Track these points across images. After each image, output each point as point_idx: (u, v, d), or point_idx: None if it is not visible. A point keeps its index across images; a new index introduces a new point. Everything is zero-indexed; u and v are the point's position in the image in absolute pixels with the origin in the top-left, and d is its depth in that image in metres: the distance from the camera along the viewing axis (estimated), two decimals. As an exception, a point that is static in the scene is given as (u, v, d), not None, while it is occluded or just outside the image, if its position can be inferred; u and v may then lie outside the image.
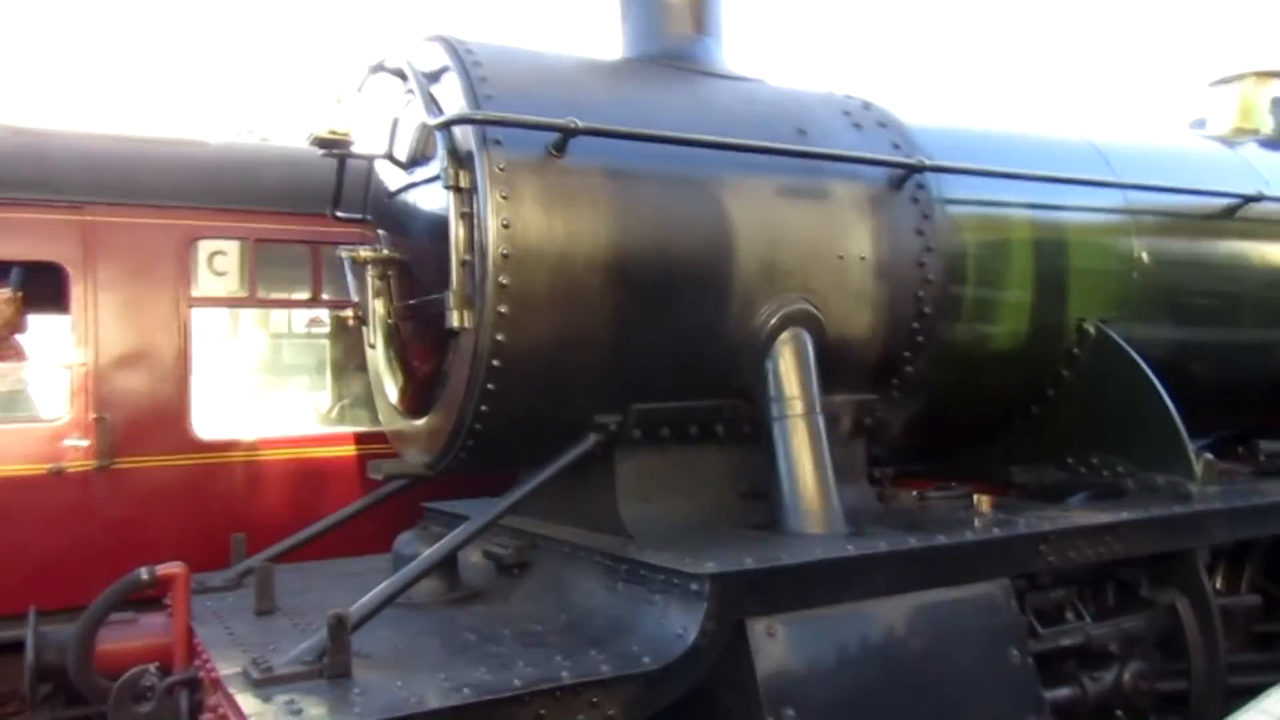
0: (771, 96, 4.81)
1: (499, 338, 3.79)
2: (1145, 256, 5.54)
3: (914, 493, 5.17)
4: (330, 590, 4.54)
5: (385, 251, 4.37)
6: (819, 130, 4.65)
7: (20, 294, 5.86)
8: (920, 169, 4.62)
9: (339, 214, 5.10)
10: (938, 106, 5.55)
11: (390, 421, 4.82)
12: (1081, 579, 4.66)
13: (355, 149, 4.39)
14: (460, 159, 3.83)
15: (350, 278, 4.40)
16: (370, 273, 4.38)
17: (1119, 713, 4.64)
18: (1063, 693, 4.45)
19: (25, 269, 5.73)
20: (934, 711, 3.76)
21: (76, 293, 5.54)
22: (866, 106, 5.02)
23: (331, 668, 3.19)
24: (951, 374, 5.07)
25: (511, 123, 3.78)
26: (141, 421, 5.63)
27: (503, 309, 3.76)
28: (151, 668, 4.17)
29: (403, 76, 4.29)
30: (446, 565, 4.46)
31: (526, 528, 4.63)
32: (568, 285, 3.87)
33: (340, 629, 3.21)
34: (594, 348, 4.03)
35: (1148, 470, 5.09)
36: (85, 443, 5.51)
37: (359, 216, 4.98)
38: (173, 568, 4.23)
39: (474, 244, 3.77)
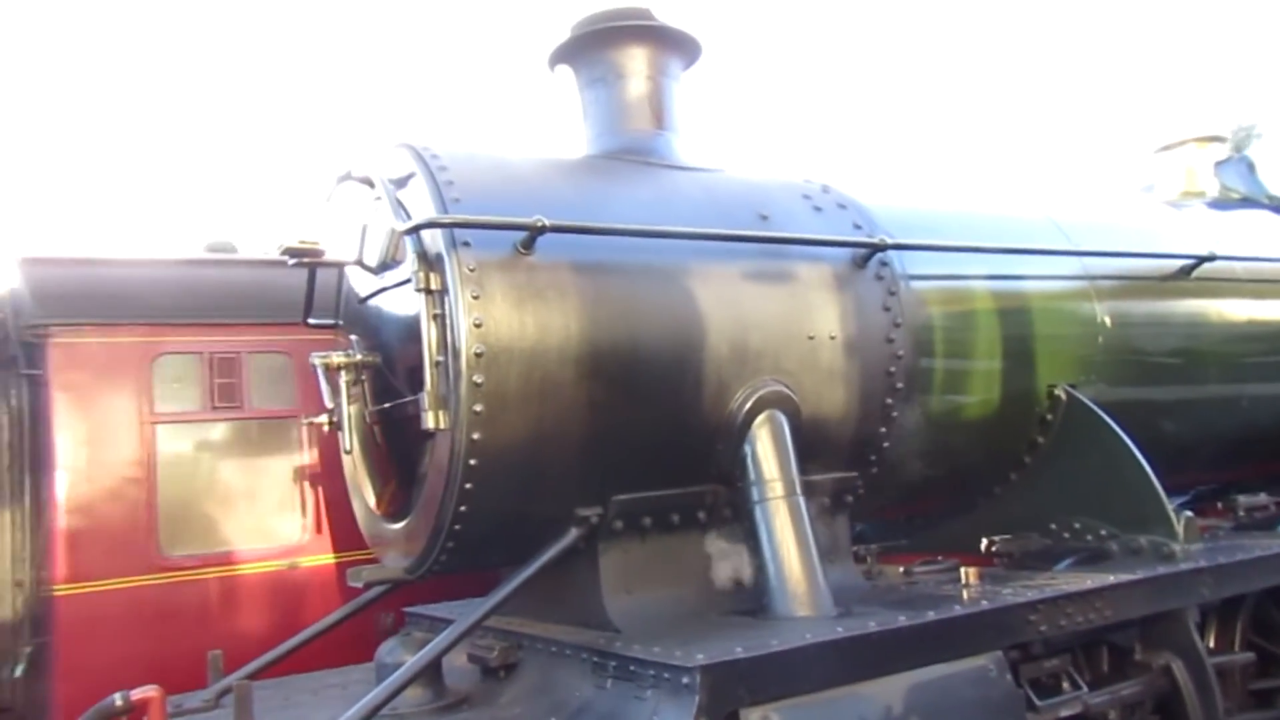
0: (732, 185, 4.92)
1: (475, 436, 3.78)
2: (1108, 320, 5.66)
3: (900, 569, 5.15)
4: (311, 705, 4.43)
5: (358, 356, 4.37)
6: (781, 214, 4.75)
7: None
8: (882, 247, 4.72)
9: (311, 321, 5.12)
10: (895, 185, 5.71)
11: (369, 526, 4.76)
12: (1075, 646, 4.62)
13: (326, 257, 4.43)
14: (430, 261, 3.88)
15: (323, 383, 4.39)
16: (344, 377, 4.38)
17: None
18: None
19: None
20: None
21: None
22: (825, 190, 5.14)
23: (316, 789, 3.08)
24: (928, 446, 5.10)
25: (479, 224, 3.84)
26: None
27: (478, 408, 3.76)
28: None
29: (370, 184, 4.36)
30: (431, 672, 4.36)
31: (511, 627, 4.54)
32: (541, 380, 3.88)
33: (323, 749, 3.12)
34: (571, 441, 4.02)
35: (1130, 532, 5.11)
36: None
37: (331, 323, 4.99)
38: (148, 691, 4.10)
39: (447, 344, 3.79)
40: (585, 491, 4.15)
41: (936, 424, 5.07)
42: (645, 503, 4.27)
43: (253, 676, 4.78)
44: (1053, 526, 5.42)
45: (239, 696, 4.15)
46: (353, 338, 4.55)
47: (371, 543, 4.79)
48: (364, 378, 4.40)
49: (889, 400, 4.80)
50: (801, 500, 4.33)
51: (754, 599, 4.26)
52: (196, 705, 4.59)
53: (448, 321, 3.79)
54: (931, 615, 3.93)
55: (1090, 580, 4.47)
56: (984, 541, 5.34)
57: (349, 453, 4.43)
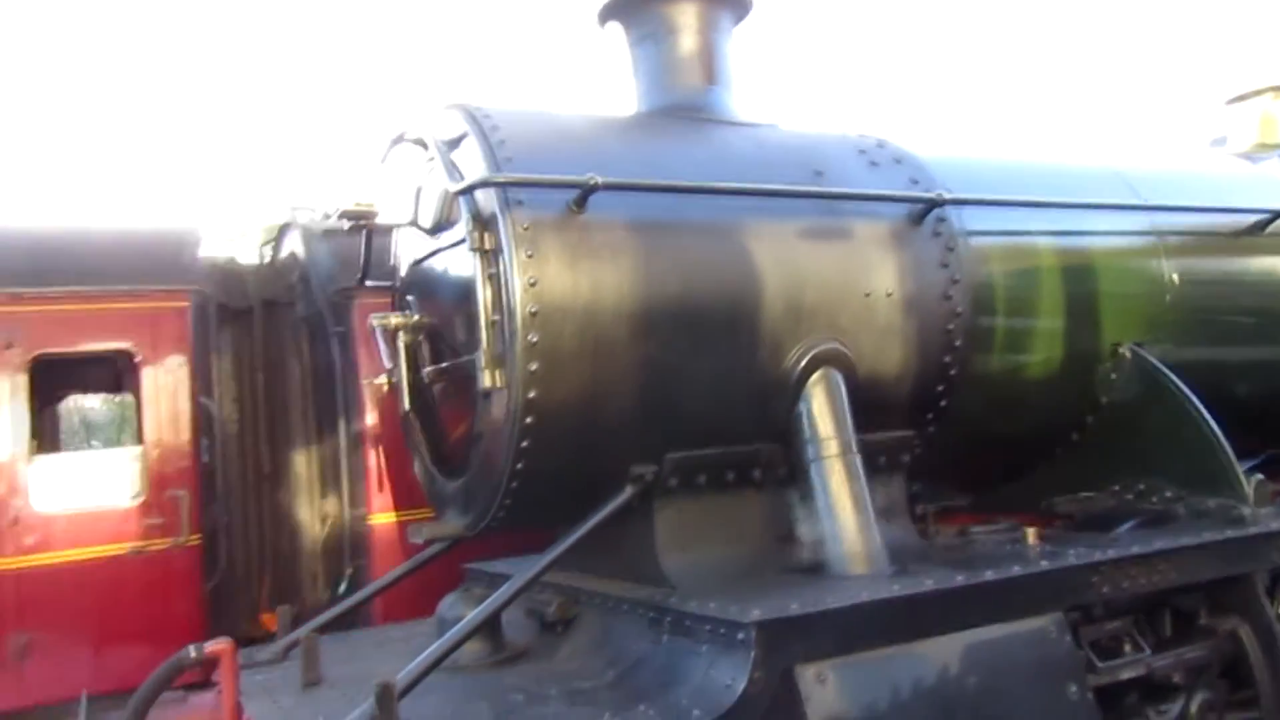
0: (786, 140, 4.85)
1: (531, 395, 3.81)
2: (1176, 277, 5.49)
3: (958, 528, 5.10)
4: (375, 658, 4.53)
5: (415, 317, 4.42)
6: (835, 171, 4.68)
7: None
8: (939, 203, 4.63)
9: (368, 283, 5.20)
10: (957, 140, 5.58)
11: (427, 484, 4.84)
12: (1137, 610, 4.54)
13: (380, 219, 4.47)
14: (484, 222, 3.89)
15: (380, 344, 4.44)
16: (401, 339, 4.43)
17: (1187, 747, 4.50)
18: (1131, 728, 4.32)
19: None
20: None
21: None
22: (881, 144, 5.05)
23: (380, 735, 3.17)
24: (988, 405, 5.02)
25: (532, 183, 3.85)
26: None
27: (533, 366, 3.79)
28: None
29: (423, 145, 4.38)
30: (490, 626, 4.44)
31: (569, 583, 4.60)
32: (596, 339, 3.89)
33: (387, 698, 3.20)
34: (626, 399, 4.03)
35: (1197, 494, 4.98)
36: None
37: (388, 285, 5.05)
38: (220, 644, 4.25)
39: (502, 304, 3.82)
40: (640, 449, 4.16)
41: (996, 383, 4.98)
42: (700, 460, 4.27)
43: (318, 631, 4.93)
44: (1116, 488, 5.31)
45: (306, 649, 4.30)
46: (409, 299, 4.60)
47: (430, 501, 4.87)
48: (420, 338, 4.45)
49: (947, 358, 4.73)
50: (858, 459, 4.30)
51: (809, 557, 4.25)
52: (266, 658, 4.74)
53: (502, 281, 3.81)
54: (990, 575, 3.89)
55: (1157, 542, 4.38)
56: (1045, 502, 5.27)
57: (407, 412, 4.49)
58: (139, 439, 6.14)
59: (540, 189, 3.90)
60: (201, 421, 6.30)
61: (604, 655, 4.07)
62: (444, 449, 4.60)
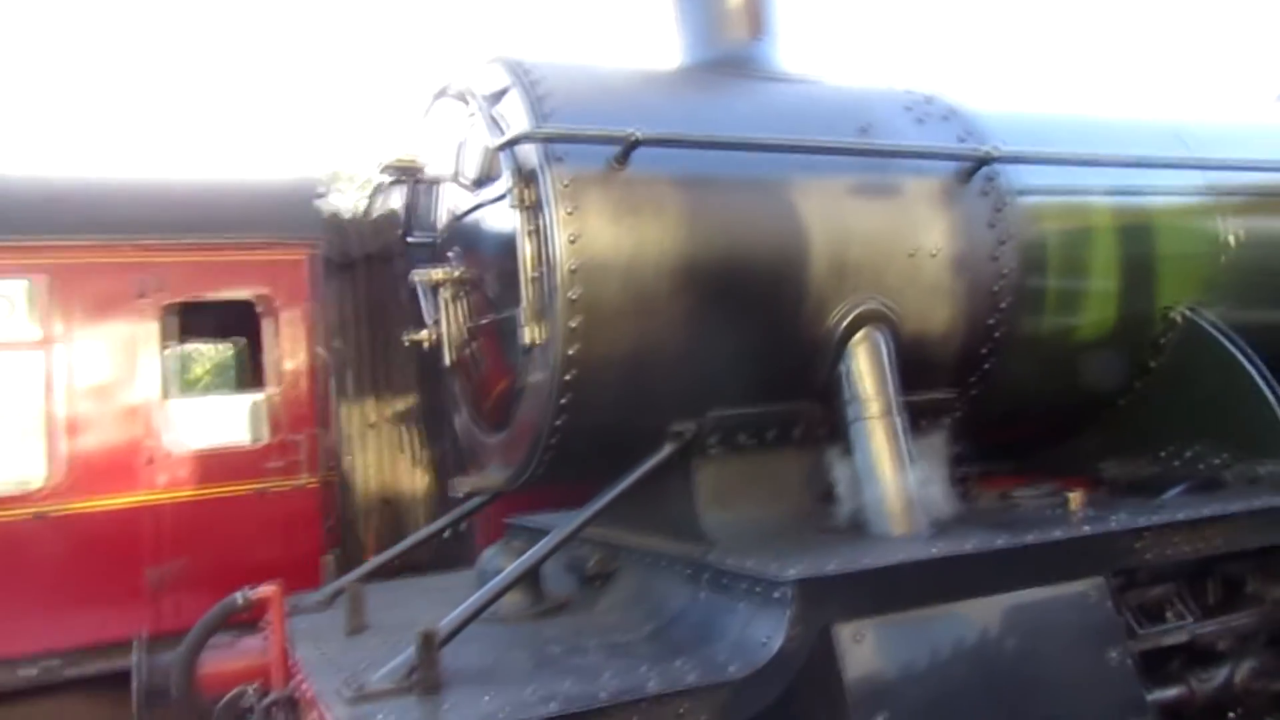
0: (832, 96, 4.77)
1: (571, 351, 3.81)
2: (1233, 238, 5.34)
3: (1000, 492, 5.05)
4: (418, 607, 4.60)
5: (457, 272, 4.44)
6: (882, 126, 4.59)
7: None
8: (987, 160, 4.53)
9: (410, 238, 5.22)
10: (1010, 95, 5.44)
11: (468, 439, 4.89)
12: (1182, 575, 4.48)
13: (424, 173, 4.48)
14: (526, 177, 3.88)
15: (423, 299, 4.47)
16: (444, 293, 4.45)
17: (1231, 715, 4.45)
18: (1169, 693, 4.29)
19: None
20: (1030, 715, 3.66)
21: None
22: (929, 100, 4.94)
23: (422, 683, 3.24)
24: (1034, 368, 4.94)
25: (573, 138, 3.82)
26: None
27: (574, 322, 3.79)
28: (251, 688, 4.30)
29: (466, 100, 4.36)
30: (531, 579, 4.50)
31: (609, 538, 4.64)
32: (637, 295, 3.88)
33: (429, 645, 3.26)
34: (667, 356, 4.03)
35: (1247, 460, 4.88)
36: None
37: (430, 239, 5.07)
38: (267, 590, 4.35)
39: (543, 259, 3.81)
40: (681, 406, 4.17)
41: (1044, 345, 4.90)
42: (740, 419, 4.27)
43: (364, 579, 5.04)
44: (1163, 453, 5.21)
45: (352, 596, 4.39)
46: (450, 254, 4.61)
47: (470, 455, 4.92)
48: (463, 293, 4.47)
49: (992, 320, 4.65)
50: (899, 419, 4.27)
51: (849, 518, 4.24)
52: (312, 605, 4.85)
53: (544, 237, 3.81)
54: (1030, 537, 3.86)
55: (1205, 508, 4.31)
56: (1091, 467, 5.20)
57: (448, 367, 4.53)
58: (262, 385, 6.45)
59: (582, 144, 3.87)
60: (318, 370, 6.54)
61: (642, 609, 4.11)
62: (485, 404, 4.63)
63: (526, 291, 3.86)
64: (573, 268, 3.77)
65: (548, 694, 3.16)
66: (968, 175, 4.61)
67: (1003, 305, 4.66)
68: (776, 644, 3.32)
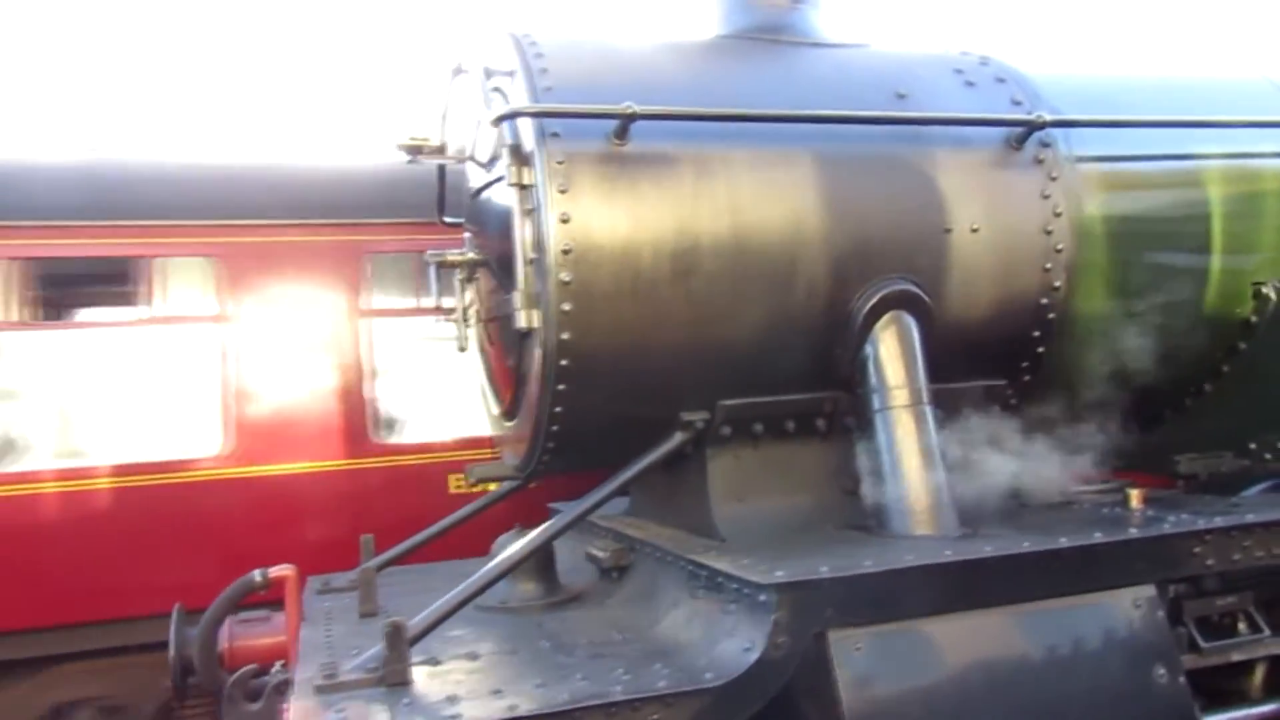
0: (869, 62, 4.44)
1: (564, 336, 3.67)
2: (1342, 205, 4.73)
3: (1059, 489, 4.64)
4: (439, 592, 4.56)
5: (470, 254, 4.34)
6: (922, 92, 4.24)
7: None
8: (1038, 125, 4.12)
9: (446, 220, 5.16)
10: (1084, 59, 4.97)
11: (493, 425, 4.81)
12: (1264, 584, 4.02)
13: (442, 153, 4.39)
14: (522, 155, 3.74)
15: (433, 282, 4.38)
16: (457, 275, 4.37)
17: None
18: (1236, 715, 3.86)
19: None
20: None
21: None
22: (984, 62, 4.54)
23: (389, 676, 3.18)
24: (1100, 352, 4.51)
25: (566, 113, 3.66)
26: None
27: (566, 307, 3.64)
28: (277, 666, 4.37)
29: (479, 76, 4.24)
30: (544, 569, 4.41)
31: (628, 530, 4.50)
32: (634, 278, 3.69)
33: (397, 638, 3.19)
34: (670, 343, 3.83)
35: (1351, 455, 4.36)
36: None
37: (461, 220, 5.00)
38: (284, 570, 4.40)
39: (536, 241, 3.67)
40: (690, 395, 3.97)
41: (1106, 328, 4.46)
42: (756, 408, 4.04)
43: (398, 561, 5.06)
44: (1253, 446, 4.73)
45: (364, 581, 4.39)
46: (466, 235, 4.52)
47: (495, 443, 4.85)
48: (478, 275, 4.37)
49: (1044, 301, 4.26)
50: (929, 410, 3.95)
51: (873, 515, 3.97)
52: (342, 585, 4.89)
53: (536, 217, 3.66)
54: (1064, 541, 3.50)
55: (1279, 510, 3.85)
56: (1168, 461, 4.74)
57: (462, 350, 4.45)
58: None
59: (581, 120, 3.70)
60: None
61: (647, 607, 3.95)
62: (500, 390, 4.54)
63: (522, 274, 3.73)
64: (564, 249, 3.61)
65: (512, 694, 3.04)
66: (1019, 142, 4.22)
67: (1056, 284, 4.26)
68: (757, 652, 3.10)
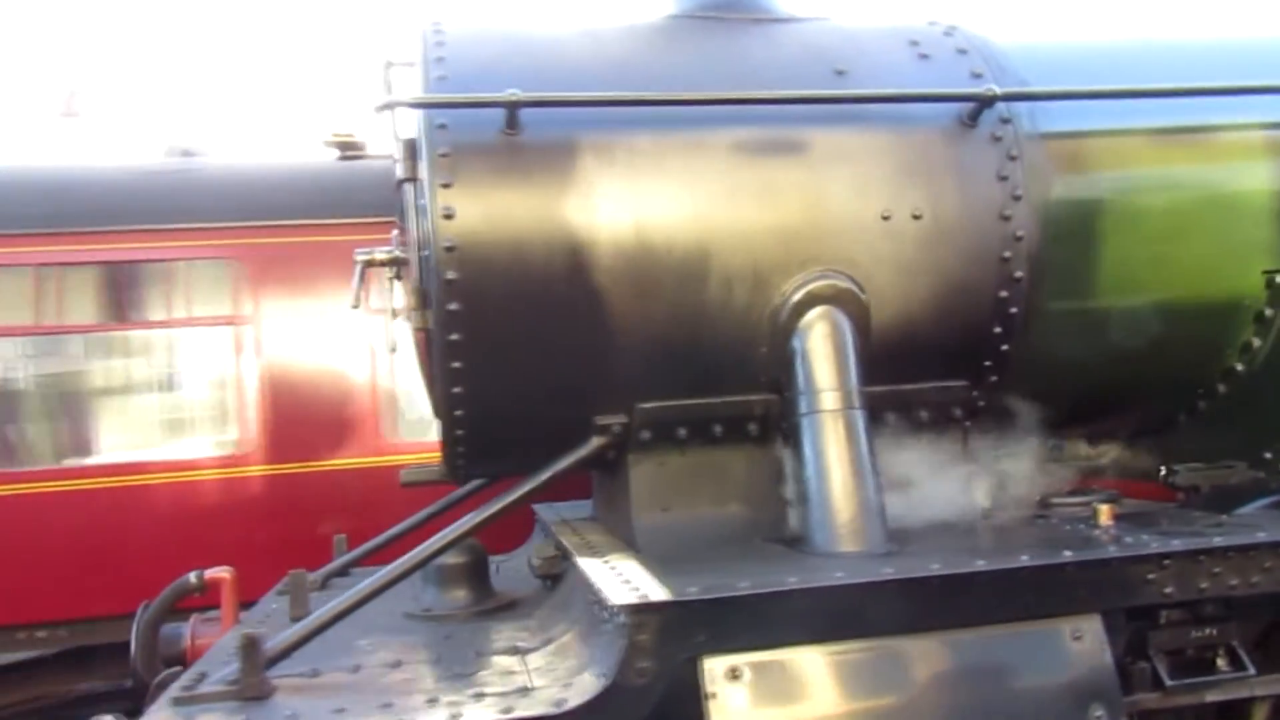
0: (814, 38, 4.10)
1: (453, 337, 3.50)
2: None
3: (1041, 498, 4.23)
4: (385, 598, 4.50)
5: (396, 252, 4.23)
6: (864, 68, 3.89)
7: None
8: (990, 99, 3.72)
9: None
10: (1069, 28, 4.51)
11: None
12: (1244, 616, 3.55)
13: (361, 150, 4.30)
14: (413, 149, 3.60)
15: (355, 280, 4.28)
16: (387, 274, 4.26)
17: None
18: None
19: None
20: None
21: None
22: (949, 33, 4.15)
23: (244, 690, 3.09)
24: (1082, 351, 4.08)
25: (447, 103, 3.49)
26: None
27: (454, 306, 3.47)
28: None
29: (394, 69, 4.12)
30: (477, 576, 4.29)
31: (567, 537, 4.32)
32: (523, 276, 3.50)
33: (251, 651, 3.10)
34: (573, 343, 3.62)
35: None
36: None
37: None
38: (220, 572, 4.39)
39: (423, 238, 3.53)
40: (604, 398, 3.75)
41: (1085, 322, 4.02)
42: (676, 411, 3.79)
43: (360, 563, 5.02)
44: (1268, 455, 4.19)
45: (293, 585, 4.33)
46: (393, 233, 4.41)
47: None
48: (402, 274, 4.26)
49: (1004, 293, 3.86)
50: (860, 414, 3.62)
51: (796, 527, 3.68)
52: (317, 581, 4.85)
53: (424, 212, 3.51)
54: (980, 565, 3.14)
55: (1258, 533, 3.38)
56: (1163, 470, 4.25)
57: (393, 351, 4.34)
58: None
59: (473, 110, 3.52)
60: None
61: (568, 618, 3.76)
62: (428, 390, 4.41)
63: (415, 272, 3.59)
64: (448, 246, 3.44)
65: (356, 714, 2.92)
66: (973, 118, 3.83)
67: (1018, 275, 3.85)
68: (610, 678, 2.88)
